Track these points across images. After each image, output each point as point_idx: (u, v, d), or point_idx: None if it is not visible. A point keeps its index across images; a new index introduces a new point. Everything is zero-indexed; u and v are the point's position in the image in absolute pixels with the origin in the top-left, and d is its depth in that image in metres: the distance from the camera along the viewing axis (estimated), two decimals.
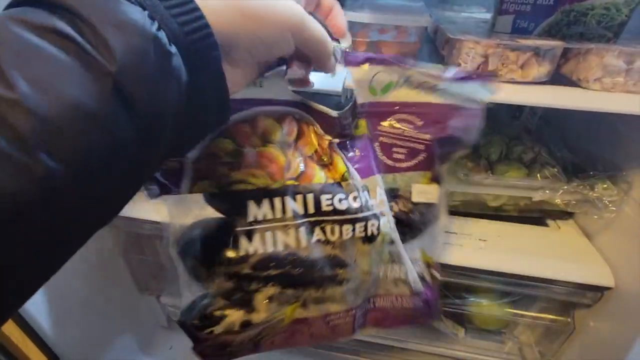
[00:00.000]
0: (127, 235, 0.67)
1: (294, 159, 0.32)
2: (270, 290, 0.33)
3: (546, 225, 0.59)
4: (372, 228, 0.33)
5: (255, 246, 0.31)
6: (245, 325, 0.34)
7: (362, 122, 0.35)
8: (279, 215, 0.31)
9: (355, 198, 0.33)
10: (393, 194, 0.36)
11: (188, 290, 0.34)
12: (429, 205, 0.37)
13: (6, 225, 0.13)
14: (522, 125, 0.69)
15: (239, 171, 0.32)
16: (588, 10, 0.39)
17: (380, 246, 0.35)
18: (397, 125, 0.35)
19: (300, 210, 0.32)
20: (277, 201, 0.31)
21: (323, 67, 0.27)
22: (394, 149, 0.35)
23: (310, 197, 0.32)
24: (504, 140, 0.57)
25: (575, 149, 0.59)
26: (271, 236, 0.31)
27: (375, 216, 0.34)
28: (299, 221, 0.32)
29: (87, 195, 0.16)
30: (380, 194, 0.35)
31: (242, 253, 0.31)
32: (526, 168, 0.55)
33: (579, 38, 0.41)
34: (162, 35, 0.17)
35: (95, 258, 0.63)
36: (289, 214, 0.31)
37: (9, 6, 0.16)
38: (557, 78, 0.42)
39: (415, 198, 0.36)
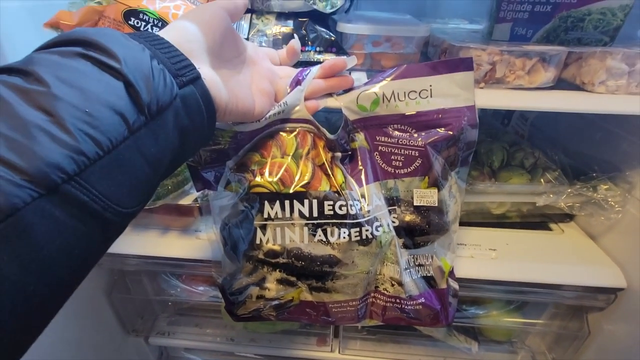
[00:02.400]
0: (110, 273, 0.61)
1: (305, 168, 0.38)
2: (278, 274, 0.40)
3: (549, 229, 0.59)
4: (366, 233, 0.38)
5: (268, 237, 0.38)
6: (260, 297, 0.41)
7: (360, 136, 0.40)
8: (287, 215, 0.37)
9: (350, 206, 0.37)
10: (395, 199, 0.40)
11: (228, 259, 0.42)
12: (430, 208, 0.40)
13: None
14: (513, 132, 0.70)
15: (260, 178, 0.38)
16: (585, 16, 0.40)
17: (377, 248, 0.39)
18: (394, 134, 0.38)
19: (306, 213, 0.37)
20: (287, 203, 0.37)
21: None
22: (392, 157, 0.39)
23: (315, 203, 0.37)
24: (504, 147, 0.57)
25: (569, 152, 0.60)
26: (280, 231, 0.38)
27: (369, 222, 0.38)
28: (304, 221, 0.37)
29: (112, 168, 0.19)
30: (376, 201, 0.39)
31: (257, 242, 0.38)
32: (528, 173, 0.55)
33: (577, 43, 0.42)
34: (151, 55, 0.22)
35: (78, 300, 0.57)
36: (296, 214, 0.37)
37: (41, 48, 0.21)
38: (559, 83, 0.42)
39: (417, 202, 0.39)
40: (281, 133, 0.39)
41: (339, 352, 0.65)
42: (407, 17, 0.56)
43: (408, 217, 0.40)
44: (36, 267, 0.16)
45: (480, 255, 0.52)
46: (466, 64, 0.35)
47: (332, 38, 0.46)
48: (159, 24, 0.42)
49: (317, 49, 0.46)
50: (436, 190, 0.38)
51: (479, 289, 0.53)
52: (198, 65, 0.26)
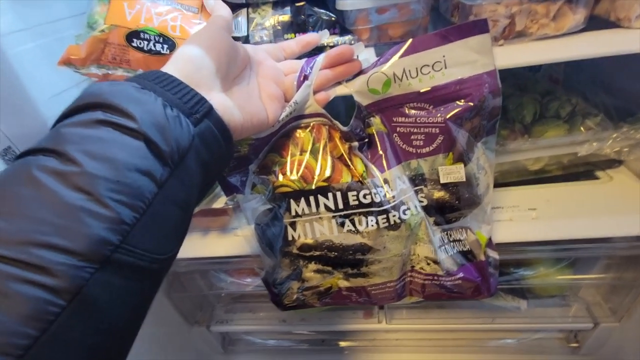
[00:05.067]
0: (166, 276, 0.66)
1: (324, 162, 0.38)
2: (314, 266, 0.41)
3: (596, 177, 0.55)
4: (393, 218, 0.38)
5: (299, 233, 0.39)
6: (300, 288, 0.44)
7: (376, 120, 0.39)
8: (314, 210, 0.38)
9: (374, 194, 0.37)
10: (421, 178, 0.39)
11: (266, 256, 0.44)
12: (458, 184, 0.38)
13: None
14: (546, 76, 0.64)
15: (283, 178, 0.39)
16: None
17: (407, 231, 0.39)
18: (411, 113, 0.37)
19: (332, 206, 0.38)
20: (312, 199, 0.38)
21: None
22: (412, 137, 0.38)
23: (339, 195, 0.38)
24: (535, 98, 0.53)
25: (614, 91, 0.54)
26: (310, 227, 0.39)
27: (395, 207, 0.38)
28: (331, 214, 0.38)
29: (148, 225, 0.20)
30: (400, 185, 0.38)
31: (289, 238, 0.40)
32: (566, 123, 0.51)
33: None
34: (164, 102, 0.23)
35: None
36: (322, 208, 0.38)
37: (63, 116, 0.22)
38: (590, 23, 0.37)
39: (443, 179, 0.38)
40: (296, 130, 0.39)
41: (386, 323, 0.68)
42: None
43: (436, 195, 0.39)
44: (105, 328, 0.19)
45: (519, 217, 0.50)
46: (480, 27, 0.32)
47: (333, 18, 0.43)
48: (161, 40, 0.42)
49: (320, 32, 0.44)
50: (462, 165, 0.37)
51: (523, 252, 0.52)
52: (209, 94, 0.27)
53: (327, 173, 0.37)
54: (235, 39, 0.46)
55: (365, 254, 0.39)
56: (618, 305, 0.59)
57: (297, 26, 0.44)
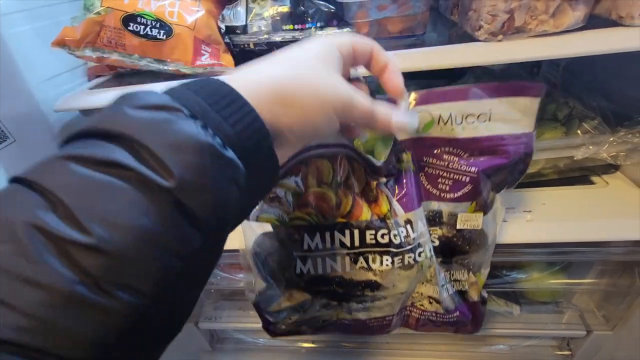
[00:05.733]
0: None
1: (344, 197, 0.36)
2: (319, 300, 0.40)
3: (592, 182, 0.55)
4: (409, 259, 0.36)
5: (308, 268, 0.37)
6: (300, 321, 0.42)
7: (407, 156, 0.37)
8: (328, 246, 0.36)
9: (395, 235, 0.36)
10: (438, 220, 0.38)
11: (262, 281, 0.42)
12: (472, 231, 0.38)
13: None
14: (544, 81, 0.64)
15: (297, 210, 0.36)
16: None
17: (418, 272, 0.38)
18: (443, 157, 0.36)
19: (348, 243, 0.36)
20: (327, 235, 0.36)
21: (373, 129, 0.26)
22: (439, 180, 0.37)
23: (356, 233, 0.36)
24: None
25: (612, 96, 0.54)
26: (321, 262, 0.37)
27: (412, 250, 0.36)
28: (346, 251, 0.36)
29: (167, 309, 0.16)
30: (421, 227, 0.37)
31: (297, 272, 0.38)
32: (563, 126, 0.50)
33: None
34: (217, 141, 0.17)
35: None
36: (337, 244, 0.36)
37: (68, 139, 0.17)
38: (590, 21, 0.37)
39: (460, 225, 0.37)
40: (316, 160, 0.35)
41: None
42: None
43: (449, 238, 0.38)
44: None
45: (514, 219, 0.49)
46: (535, 90, 0.32)
47: (332, 10, 0.43)
48: (157, 25, 0.41)
49: (318, 24, 0.44)
50: (482, 214, 0.37)
51: (516, 254, 0.51)
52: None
53: (348, 209, 0.36)
54: (234, 28, 0.46)
55: (374, 290, 0.38)
56: (611, 313, 0.59)
57: (296, 17, 0.44)
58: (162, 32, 0.41)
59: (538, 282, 0.59)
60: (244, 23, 0.45)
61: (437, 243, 0.39)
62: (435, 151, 0.36)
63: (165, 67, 0.43)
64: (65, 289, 0.13)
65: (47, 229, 0.13)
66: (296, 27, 0.44)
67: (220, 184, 0.17)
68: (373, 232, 0.36)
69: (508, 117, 0.33)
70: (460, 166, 0.35)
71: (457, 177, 0.35)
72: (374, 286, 0.37)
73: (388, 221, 0.36)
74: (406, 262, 0.36)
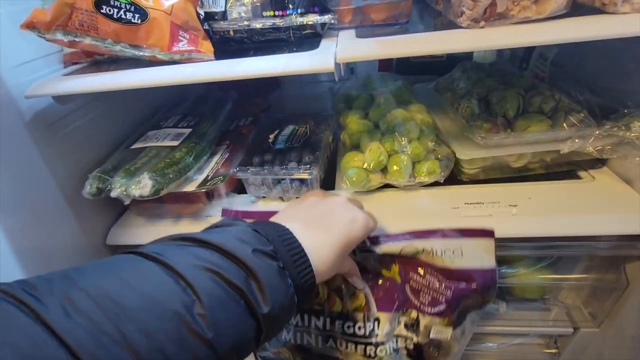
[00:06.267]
0: None
1: (322, 291, 0.46)
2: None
3: (578, 177, 0.54)
4: (370, 351, 0.44)
5: (290, 337, 0.48)
6: None
7: (395, 268, 0.44)
8: (306, 324, 0.47)
9: (359, 327, 0.44)
10: (415, 327, 0.45)
11: None
12: (442, 341, 0.44)
13: None
14: (532, 75, 0.64)
15: None
16: None
17: None
18: (426, 277, 0.43)
19: (320, 326, 0.46)
20: (306, 316, 0.47)
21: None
22: (421, 294, 0.44)
23: (328, 320, 0.46)
24: (519, 92, 0.52)
25: (598, 89, 0.53)
26: (300, 335, 0.48)
27: (374, 344, 0.44)
28: (318, 332, 0.46)
29: None
30: (387, 328, 0.44)
31: (282, 338, 0.48)
32: (549, 119, 0.50)
33: None
34: (292, 287, 0.28)
35: None
36: (313, 325, 0.46)
37: (197, 241, 0.27)
38: (574, 9, 0.36)
39: (432, 335, 0.44)
40: None
41: None
42: None
43: (420, 345, 0.45)
44: None
45: (499, 213, 0.49)
46: (487, 233, 0.40)
47: None
48: (132, 8, 0.40)
49: (299, 10, 0.43)
50: (451, 329, 0.43)
51: (501, 248, 0.50)
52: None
53: (322, 300, 0.46)
54: (213, 14, 0.45)
55: None
56: (598, 309, 0.58)
57: (276, 3, 0.43)
58: (136, 15, 0.40)
59: (525, 277, 0.58)
60: (223, 9, 0.44)
61: (411, 347, 0.46)
62: (419, 270, 0.43)
63: (141, 53, 0.42)
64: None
65: (185, 320, 0.22)
66: (277, 13, 0.43)
67: (288, 316, 0.28)
68: (341, 321, 0.45)
69: (475, 255, 0.41)
70: (439, 288, 0.42)
71: (436, 296, 0.42)
72: None
73: (358, 314, 0.44)
74: (367, 353, 0.44)
